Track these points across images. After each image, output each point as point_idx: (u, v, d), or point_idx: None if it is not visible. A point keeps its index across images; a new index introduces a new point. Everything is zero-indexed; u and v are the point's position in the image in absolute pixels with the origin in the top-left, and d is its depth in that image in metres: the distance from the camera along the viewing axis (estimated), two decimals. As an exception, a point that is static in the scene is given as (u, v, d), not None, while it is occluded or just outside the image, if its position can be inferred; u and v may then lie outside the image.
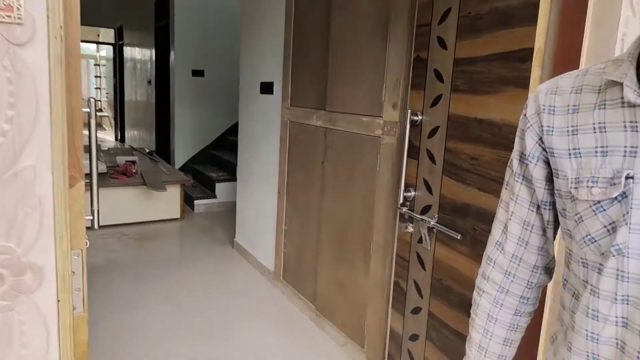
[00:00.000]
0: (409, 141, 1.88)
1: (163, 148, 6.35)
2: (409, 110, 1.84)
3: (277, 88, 3.12)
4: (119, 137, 9.67)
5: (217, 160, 5.57)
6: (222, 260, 3.71)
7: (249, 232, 3.67)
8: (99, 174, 4.41)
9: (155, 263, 3.56)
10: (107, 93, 11.35)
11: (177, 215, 4.59)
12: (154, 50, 6.46)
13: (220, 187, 4.99)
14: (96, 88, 12.18)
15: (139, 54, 7.59)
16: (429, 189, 1.80)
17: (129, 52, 8.44)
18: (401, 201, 1.91)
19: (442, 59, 1.71)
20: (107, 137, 10.56)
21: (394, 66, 2.06)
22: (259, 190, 3.46)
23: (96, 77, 12.18)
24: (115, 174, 4.42)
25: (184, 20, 5.50)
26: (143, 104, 7.32)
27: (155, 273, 3.35)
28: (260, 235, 3.46)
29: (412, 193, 1.89)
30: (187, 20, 5.51)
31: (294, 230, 2.95)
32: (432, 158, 1.78)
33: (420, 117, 1.84)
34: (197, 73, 5.65)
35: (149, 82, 6.77)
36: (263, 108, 3.34)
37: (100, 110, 11.63)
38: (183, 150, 5.81)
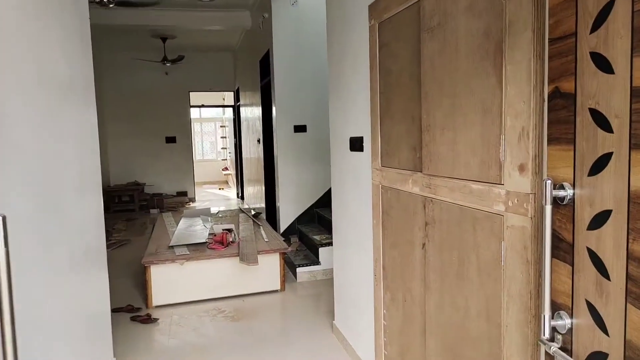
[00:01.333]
0: (553, 231, 1.10)
1: (271, 207, 6.11)
2: (548, 180, 1.08)
3: (367, 144, 2.52)
4: (239, 195, 9.89)
5: (323, 221, 5.08)
6: (320, 348, 3.10)
7: (347, 316, 3.02)
8: (199, 244, 4.22)
9: (246, 349, 3.09)
10: (229, 152, 11.92)
11: (277, 287, 4.13)
12: (260, 108, 6.39)
13: (324, 252, 4.45)
14: (222, 148, 12.95)
15: (250, 113, 7.67)
16: (599, 321, 1.00)
17: (243, 111, 8.65)
18: (547, 334, 1.11)
19: (606, 89, 0.95)
20: (230, 194, 10.92)
21: (516, 106, 1.32)
22: (353, 266, 2.82)
23: (222, 137, 12.96)
24: (213, 243, 4.16)
25: (283, 75, 5.28)
26: (255, 161, 7.29)
27: (239, 368, 2.86)
28: (358, 323, 2.79)
29: (566, 321, 1.09)
30: (287, 75, 5.28)
31: (395, 328, 2.22)
32: (600, 266, 0.98)
33: (570, 192, 1.06)
34: (299, 129, 5.33)
35: (259, 141, 6.69)
36: (354, 168, 2.75)
37: (226, 169, 12.25)
38: (289, 210, 5.46)
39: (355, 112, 2.67)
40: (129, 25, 6.49)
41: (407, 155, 2.02)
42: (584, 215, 1.02)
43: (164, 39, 7.95)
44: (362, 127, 2.57)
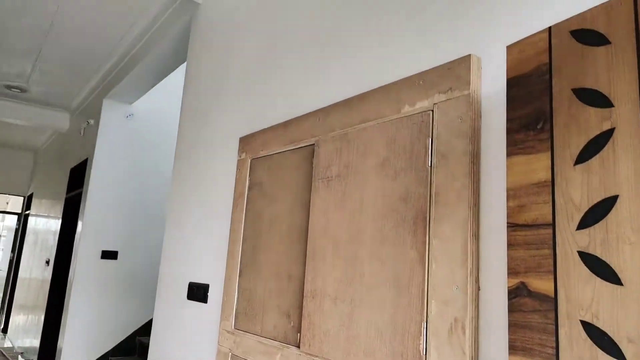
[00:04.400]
0: None
1: (50, 348, 4.69)
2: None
3: (215, 296, 2.03)
4: (1, 325, 7.62)
5: (120, 375, 4.02)
6: None
7: None
8: None
9: None
10: (0, 270, 9.48)
11: None
12: (60, 222, 5.26)
13: None
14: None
15: (43, 226, 6.30)
16: None
17: (33, 222, 7.12)
18: None
19: (610, 303, 0.77)
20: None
21: (445, 291, 1.09)
22: None
23: (-6, 248, 10.38)
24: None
25: (100, 190, 4.49)
26: (38, 285, 5.78)
27: None
28: None
29: None
30: (106, 191, 4.50)
31: None
32: None
33: None
34: (109, 254, 4.43)
35: (47, 262, 5.39)
36: (190, 323, 2.18)
37: (-11, 288, 9.56)
38: (73, 355, 4.22)
39: (202, 252, 2.21)
40: None
41: (275, 321, 1.61)
42: None
43: (-59, 120, 6.34)
44: (210, 272, 2.10)
